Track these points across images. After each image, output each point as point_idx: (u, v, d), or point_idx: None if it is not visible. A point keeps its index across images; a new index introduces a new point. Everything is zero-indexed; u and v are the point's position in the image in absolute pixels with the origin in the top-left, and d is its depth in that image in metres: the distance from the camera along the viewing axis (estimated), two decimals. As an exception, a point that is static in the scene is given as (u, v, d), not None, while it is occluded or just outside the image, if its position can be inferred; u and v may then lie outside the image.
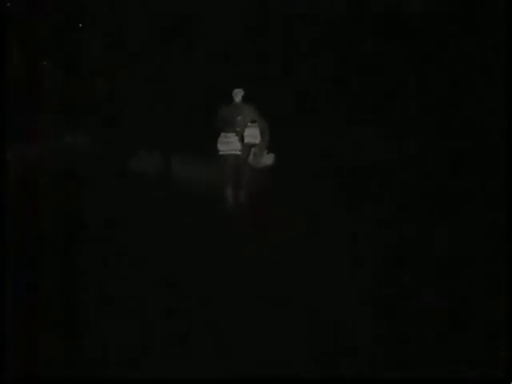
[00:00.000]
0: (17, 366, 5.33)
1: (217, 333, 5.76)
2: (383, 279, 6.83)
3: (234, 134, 9.17)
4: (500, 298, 6.25)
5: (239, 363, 5.42)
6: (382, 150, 9.87)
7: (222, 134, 9.16)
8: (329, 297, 6.26)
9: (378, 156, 9.82)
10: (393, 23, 10.22)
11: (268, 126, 9.37)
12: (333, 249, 7.26)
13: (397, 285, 6.74)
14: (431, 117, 9.96)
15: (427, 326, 6.03)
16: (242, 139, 9.27)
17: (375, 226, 8.12)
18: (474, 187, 8.85)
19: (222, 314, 5.92)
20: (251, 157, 9.35)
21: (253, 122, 9.29)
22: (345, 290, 6.42)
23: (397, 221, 8.27)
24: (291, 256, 7.07)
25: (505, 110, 8.01)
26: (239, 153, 9.18)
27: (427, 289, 6.66)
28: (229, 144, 9.16)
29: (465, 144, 9.63)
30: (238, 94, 9.34)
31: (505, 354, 5.64)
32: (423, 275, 6.94)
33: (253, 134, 9.30)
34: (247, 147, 9.32)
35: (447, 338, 5.87)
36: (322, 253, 7.18)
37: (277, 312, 5.97)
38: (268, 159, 9.44)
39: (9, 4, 9.56)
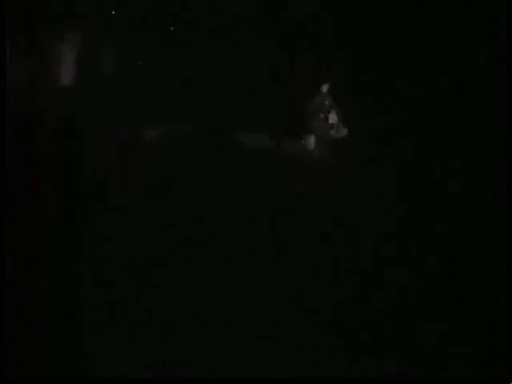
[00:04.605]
0: (17, 366, 5.15)
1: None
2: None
3: (320, 117, 13.45)
4: (500, 297, 6.29)
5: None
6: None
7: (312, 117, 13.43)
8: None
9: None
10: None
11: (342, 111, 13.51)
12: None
13: (393, 282, 6.76)
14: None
15: (427, 325, 6.14)
16: (326, 119, 13.69)
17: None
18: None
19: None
20: (333, 131, 13.75)
21: (332, 107, 13.61)
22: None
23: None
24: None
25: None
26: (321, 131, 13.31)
27: (427, 288, 6.69)
28: (316, 125, 13.46)
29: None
30: (324, 87, 13.59)
31: (505, 354, 5.74)
32: (423, 274, 6.91)
33: (333, 117, 13.65)
34: (330, 125, 13.73)
35: (447, 337, 6.00)
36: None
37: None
38: (343, 132, 13.79)
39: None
